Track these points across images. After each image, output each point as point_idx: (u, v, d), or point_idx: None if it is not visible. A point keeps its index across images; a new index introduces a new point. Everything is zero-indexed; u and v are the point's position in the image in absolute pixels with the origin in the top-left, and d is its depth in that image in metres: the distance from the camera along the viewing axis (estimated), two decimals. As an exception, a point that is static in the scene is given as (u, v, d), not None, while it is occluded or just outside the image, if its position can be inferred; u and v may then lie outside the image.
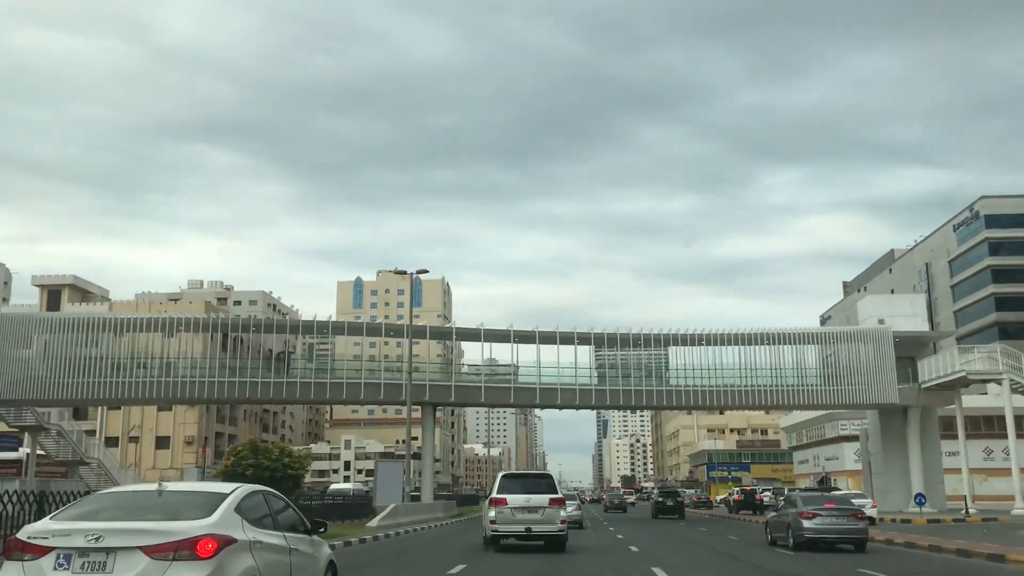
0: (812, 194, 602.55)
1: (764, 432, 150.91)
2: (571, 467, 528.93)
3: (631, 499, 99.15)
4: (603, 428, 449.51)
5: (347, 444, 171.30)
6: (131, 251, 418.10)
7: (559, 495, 23.39)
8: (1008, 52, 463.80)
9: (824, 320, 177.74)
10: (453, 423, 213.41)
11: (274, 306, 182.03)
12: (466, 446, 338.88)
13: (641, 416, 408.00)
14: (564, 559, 21.76)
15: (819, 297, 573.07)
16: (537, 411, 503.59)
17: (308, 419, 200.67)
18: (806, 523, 25.15)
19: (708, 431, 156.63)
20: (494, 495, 23.35)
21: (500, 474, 24.99)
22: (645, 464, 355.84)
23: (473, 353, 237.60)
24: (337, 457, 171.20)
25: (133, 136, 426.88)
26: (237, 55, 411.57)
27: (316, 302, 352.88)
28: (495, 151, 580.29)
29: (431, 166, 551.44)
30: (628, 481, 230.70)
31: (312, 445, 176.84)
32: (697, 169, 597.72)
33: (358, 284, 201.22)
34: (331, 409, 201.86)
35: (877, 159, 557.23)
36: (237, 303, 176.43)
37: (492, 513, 23.00)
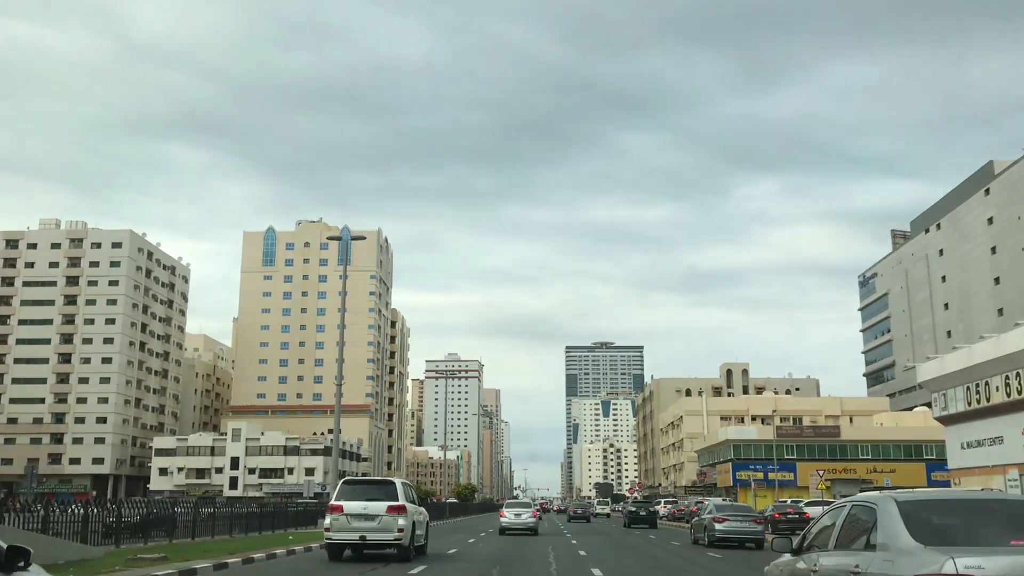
0: (789, 205, 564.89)
1: (797, 421, 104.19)
2: (540, 477, 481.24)
3: (606, 510, 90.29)
4: (573, 433, 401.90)
5: (235, 435, 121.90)
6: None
7: (400, 503, 20.98)
8: (986, 64, 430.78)
9: (869, 279, 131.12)
10: (392, 415, 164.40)
11: (147, 251, 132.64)
12: (418, 448, 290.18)
13: (615, 416, 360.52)
14: None
15: (795, 308, 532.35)
16: (504, 416, 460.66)
17: (204, 406, 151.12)
18: (718, 526, 30.67)
19: (722, 419, 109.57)
20: (331, 502, 21.48)
21: (341, 480, 23.19)
22: (620, 470, 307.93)
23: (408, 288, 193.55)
24: (222, 452, 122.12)
25: (102, 132, 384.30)
26: (211, 51, 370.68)
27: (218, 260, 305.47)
28: (472, 154, 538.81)
29: (407, 168, 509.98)
30: (605, 489, 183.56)
31: (191, 436, 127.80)
32: (675, 178, 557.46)
33: (270, 236, 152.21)
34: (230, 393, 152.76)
35: (855, 170, 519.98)
36: (96, 245, 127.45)
37: (328, 520, 21.17)
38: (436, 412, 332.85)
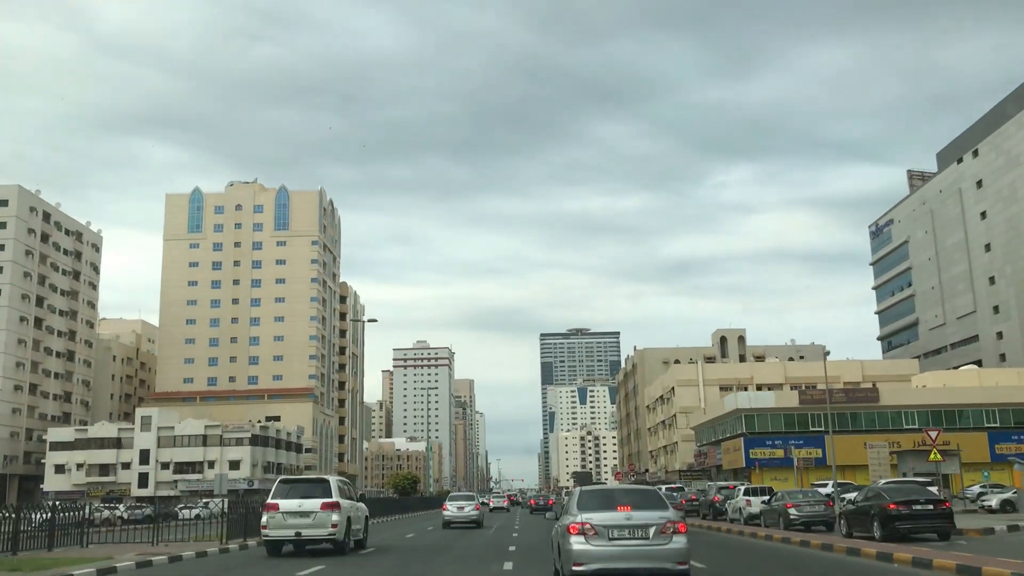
0: (764, 192, 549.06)
1: (811, 387, 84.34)
2: (518, 469, 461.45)
3: None
4: (549, 421, 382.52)
5: (145, 423, 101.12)
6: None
7: (333, 499, 21.54)
8: (957, 48, 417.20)
9: (883, 228, 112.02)
10: (343, 401, 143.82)
11: (42, 211, 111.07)
12: (384, 440, 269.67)
13: (592, 404, 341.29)
14: None
15: (774, 295, 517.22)
16: (479, 407, 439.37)
17: (124, 393, 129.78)
18: None
19: (722, 389, 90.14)
20: (268, 500, 22.00)
21: (278, 479, 23.33)
22: (599, 458, 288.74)
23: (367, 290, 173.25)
24: (129, 444, 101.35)
25: (68, 129, 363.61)
26: (178, 44, 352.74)
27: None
28: (446, 146, 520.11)
29: (380, 161, 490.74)
30: (583, 478, 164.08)
31: (92, 426, 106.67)
32: (650, 166, 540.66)
33: (196, 198, 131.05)
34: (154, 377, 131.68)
35: (829, 156, 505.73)
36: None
37: (264, 518, 21.69)
38: (405, 403, 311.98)
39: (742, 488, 35.58)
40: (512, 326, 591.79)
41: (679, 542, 12.75)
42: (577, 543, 12.75)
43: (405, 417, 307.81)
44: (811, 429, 67.53)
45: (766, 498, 32.41)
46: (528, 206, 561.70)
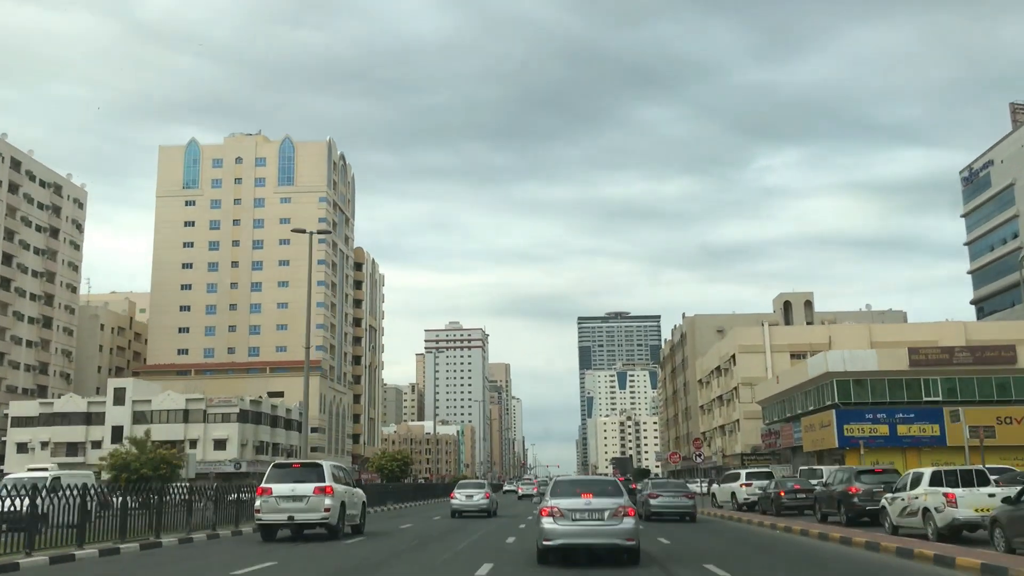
0: (810, 176, 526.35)
1: (914, 352, 67.24)
2: (555, 455, 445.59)
3: None
4: (587, 406, 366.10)
5: (117, 397, 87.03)
6: (113, 241, 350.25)
7: (325, 484, 21.74)
8: (1011, 25, 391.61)
9: (979, 172, 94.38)
10: (359, 377, 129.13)
11: (9, 158, 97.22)
12: (413, 423, 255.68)
13: (632, 388, 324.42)
14: None
15: (820, 281, 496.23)
16: (518, 394, 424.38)
17: (112, 366, 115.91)
18: (652, 501, 31.79)
19: (792, 357, 73.63)
20: (262, 484, 22.18)
21: (272, 464, 23.62)
22: (639, 443, 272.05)
23: (395, 278, 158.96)
24: (100, 420, 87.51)
25: (111, 117, 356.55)
26: (219, 30, 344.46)
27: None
28: (486, 131, 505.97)
29: (421, 147, 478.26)
30: (623, 464, 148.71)
31: (59, 400, 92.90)
32: (693, 151, 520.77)
33: (192, 150, 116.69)
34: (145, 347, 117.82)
35: (877, 139, 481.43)
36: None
37: (258, 502, 21.89)
38: (437, 385, 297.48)
39: (927, 472, 19.42)
40: (551, 314, 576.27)
41: (628, 523, 14.88)
42: (547, 523, 15.07)
43: (437, 399, 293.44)
44: (924, 399, 51.24)
45: (997, 491, 16.55)
46: (568, 192, 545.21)
